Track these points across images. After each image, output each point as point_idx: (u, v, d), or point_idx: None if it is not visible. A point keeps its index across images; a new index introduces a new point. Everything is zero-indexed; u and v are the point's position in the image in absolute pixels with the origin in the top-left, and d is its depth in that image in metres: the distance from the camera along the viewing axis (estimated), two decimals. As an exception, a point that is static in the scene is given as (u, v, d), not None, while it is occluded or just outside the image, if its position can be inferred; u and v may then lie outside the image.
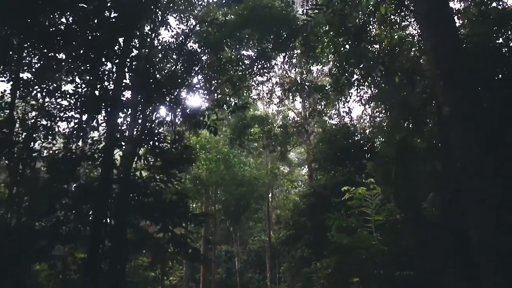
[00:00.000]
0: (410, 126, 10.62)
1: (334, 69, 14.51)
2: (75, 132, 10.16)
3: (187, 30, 14.44)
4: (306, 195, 19.43)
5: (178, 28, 14.62)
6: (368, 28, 11.97)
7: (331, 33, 12.47)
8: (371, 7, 11.91)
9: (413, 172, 10.67)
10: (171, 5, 13.71)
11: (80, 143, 10.89)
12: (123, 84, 10.78)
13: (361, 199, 11.44)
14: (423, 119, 10.00)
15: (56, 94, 10.00)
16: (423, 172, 10.65)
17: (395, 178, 11.14)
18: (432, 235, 9.97)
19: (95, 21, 9.28)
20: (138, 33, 10.72)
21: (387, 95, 11.87)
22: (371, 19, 12.06)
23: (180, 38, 14.03)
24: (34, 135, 10.42)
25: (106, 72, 10.21)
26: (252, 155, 29.58)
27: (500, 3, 9.82)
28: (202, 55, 14.37)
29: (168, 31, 13.98)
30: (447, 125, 6.18)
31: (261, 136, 22.84)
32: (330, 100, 19.44)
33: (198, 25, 14.67)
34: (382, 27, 11.36)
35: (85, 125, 10.07)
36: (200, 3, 15.14)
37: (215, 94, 15.21)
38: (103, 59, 9.65)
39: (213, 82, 14.85)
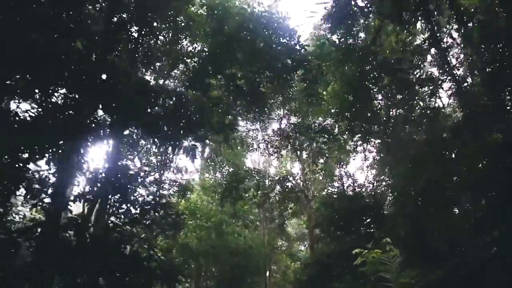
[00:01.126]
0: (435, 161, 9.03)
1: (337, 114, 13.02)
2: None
3: (168, 68, 12.89)
4: (308, 265, 18.41)
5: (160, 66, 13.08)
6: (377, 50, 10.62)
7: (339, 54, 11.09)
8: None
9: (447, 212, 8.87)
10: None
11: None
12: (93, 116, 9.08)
13: (375, 263, 10.06)
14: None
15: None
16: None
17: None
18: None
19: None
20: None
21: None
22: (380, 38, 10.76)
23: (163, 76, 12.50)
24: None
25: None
26: (248, 227, 27.17)
27: None
28: (186, 95, 12.61)
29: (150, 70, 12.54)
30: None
31: (257, 195, 20.69)
32: (335, 149, 17.83)
33: (181, 60, 13.09)
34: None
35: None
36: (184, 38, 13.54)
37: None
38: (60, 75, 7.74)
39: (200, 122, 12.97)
